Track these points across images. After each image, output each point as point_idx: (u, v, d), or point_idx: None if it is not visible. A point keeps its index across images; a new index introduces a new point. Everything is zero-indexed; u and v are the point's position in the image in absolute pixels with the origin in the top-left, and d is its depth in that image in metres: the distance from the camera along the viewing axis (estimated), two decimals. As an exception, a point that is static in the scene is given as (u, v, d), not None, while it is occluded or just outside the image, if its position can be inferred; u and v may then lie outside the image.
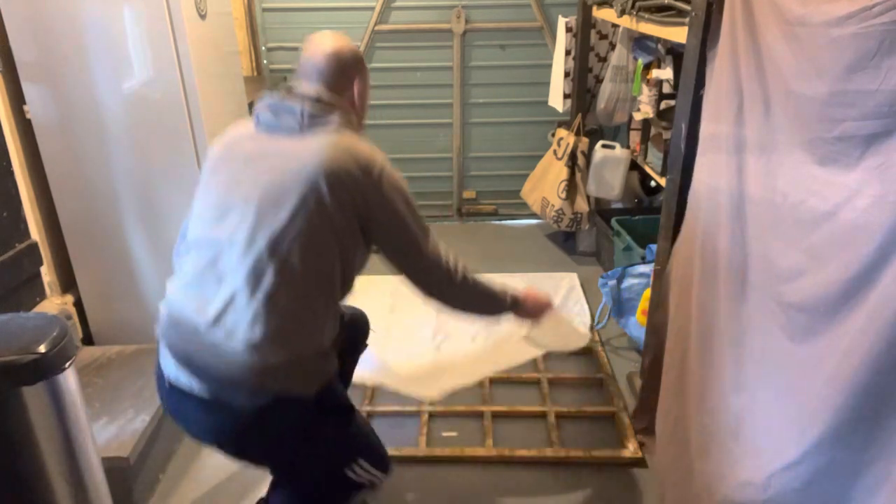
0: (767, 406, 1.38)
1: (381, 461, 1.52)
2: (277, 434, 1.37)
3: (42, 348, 1.12)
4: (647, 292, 2.27)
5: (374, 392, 2.35)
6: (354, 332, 1.81)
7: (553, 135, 3.51)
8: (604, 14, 2.88)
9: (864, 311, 1.11)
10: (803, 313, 1.26)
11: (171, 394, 1.38)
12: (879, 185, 1.08)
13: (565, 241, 3.57)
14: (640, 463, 2.01)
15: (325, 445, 1.43)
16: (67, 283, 2.33)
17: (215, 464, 2.05)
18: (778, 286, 1.34)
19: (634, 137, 2.85)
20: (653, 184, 3.19)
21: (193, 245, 1.39)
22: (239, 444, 1.41)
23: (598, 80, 3.27)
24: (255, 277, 1.27)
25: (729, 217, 1.52)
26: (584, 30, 3.17)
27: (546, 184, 3.41)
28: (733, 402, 1.50)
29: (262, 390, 1.30)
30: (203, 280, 1.34)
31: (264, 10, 3.55)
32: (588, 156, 3.22)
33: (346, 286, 1.41)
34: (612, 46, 3.16)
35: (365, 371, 1.96)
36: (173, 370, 1.35)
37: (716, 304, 1.58)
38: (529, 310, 1.63)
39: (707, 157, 1.65)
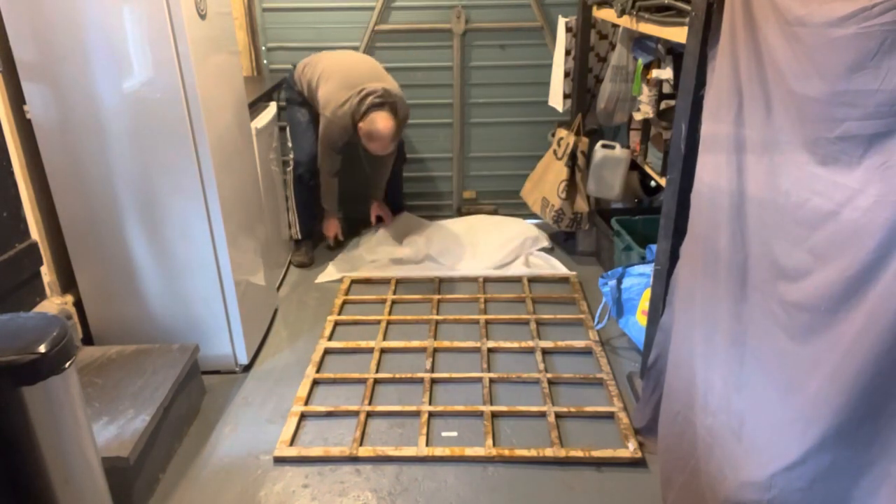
0: (769, 406, 1.38)
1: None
2: None
3: (42, 348, 1.12)
4: (647, 292, 2.27)
5: (373, 392, 2.35)
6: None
7: (553, 135, 3.51)
8: (604, 14, 2.88)
9: (865, 311, 1.11)
10: (805, 313, 1.26)
11: None
12: (881, 185, 1.08)
13: (565, 241, 3.56)
14: (640, 463, 2.01)
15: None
16: (67, 283, 2.33)
17: (215, 464, 2.05)
18: (781, 286, 1.34)
19: (634, 137, 2.85)
20: (653, 184, 3.18)
21: None
22: None
23: (598, 80, 3.27)
24: None
25: (728, 217, 1.52)
26: (584, 30, 3.17)
27: (546, 184, 3.40)
28: (735, 402, 1.50)
29: None
30: None
31: (264, 10, 3.55)
32: (588, 156, 3.22)
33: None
34: (612, 46, 3.16)
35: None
36: None
37: (717, 303, 1.58)
38: (325, 224, 3.41)
39: (708, 157, 1.65)
